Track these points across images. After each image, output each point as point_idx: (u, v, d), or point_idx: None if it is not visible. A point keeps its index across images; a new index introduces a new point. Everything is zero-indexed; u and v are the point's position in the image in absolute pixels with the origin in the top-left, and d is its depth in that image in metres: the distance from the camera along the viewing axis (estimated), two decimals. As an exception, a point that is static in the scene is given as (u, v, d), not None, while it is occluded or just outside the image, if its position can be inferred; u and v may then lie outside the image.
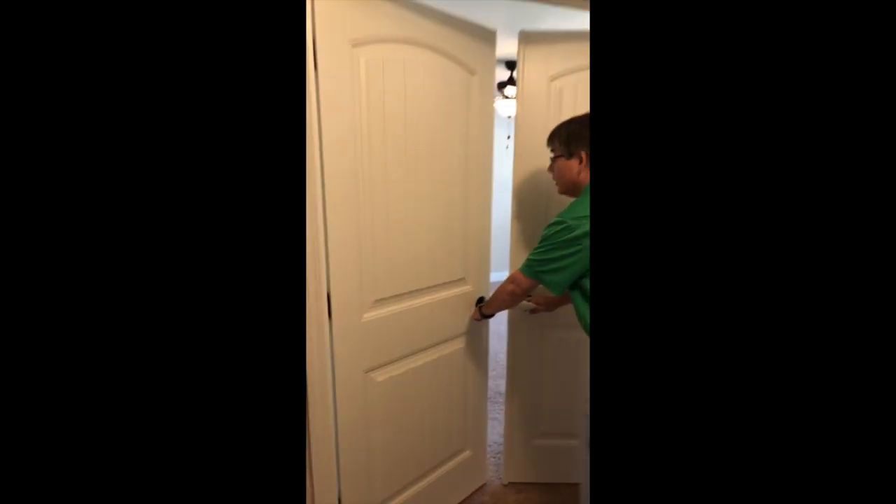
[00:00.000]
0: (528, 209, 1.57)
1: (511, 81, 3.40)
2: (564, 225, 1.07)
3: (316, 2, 0.99)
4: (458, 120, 1.36)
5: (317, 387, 1.12)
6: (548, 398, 1.67)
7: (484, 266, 1.55)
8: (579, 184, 1.15)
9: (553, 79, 1.49)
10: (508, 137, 4.42)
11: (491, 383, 2.17)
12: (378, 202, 1.19)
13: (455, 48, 1.31)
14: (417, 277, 1.33)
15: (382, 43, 1.14)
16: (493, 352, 2.01)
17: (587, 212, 1.05)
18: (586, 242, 1.05)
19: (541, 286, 1.18)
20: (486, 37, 1.40)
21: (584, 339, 1.15)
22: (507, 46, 1.77)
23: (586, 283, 1.09)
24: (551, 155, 1.21)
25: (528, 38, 1.47)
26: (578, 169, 1.14)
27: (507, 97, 3.48)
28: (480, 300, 1.52)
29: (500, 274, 1.60)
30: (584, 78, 1.48)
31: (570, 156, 1.15)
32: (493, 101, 1.47)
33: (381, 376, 1.29)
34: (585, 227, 1.04)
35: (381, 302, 1.25)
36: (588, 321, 1.11)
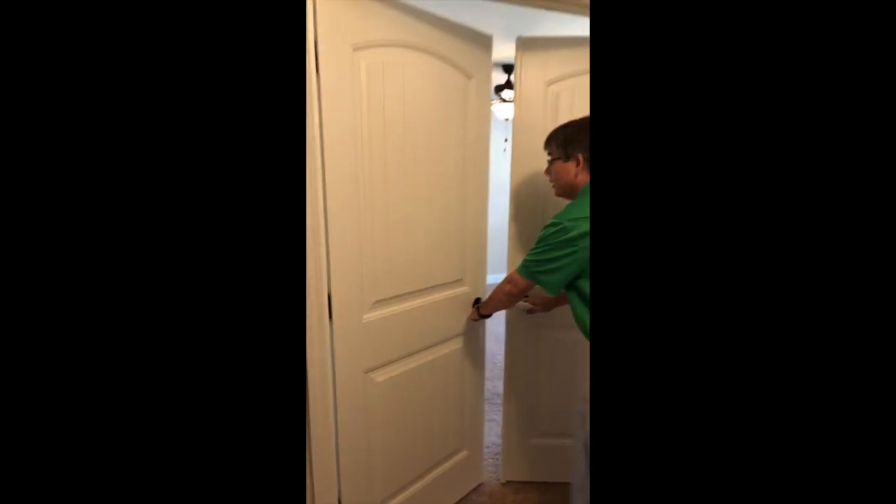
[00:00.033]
0: (526, 211, 1.59)
1: (508, 85, 3.42)
2: (561, 226, 1.08)
3: (318, 5, 1.00)
4: (456, 123, 1.38)
5: (317, 387, 1.13)
6: (545, 398, 1.68)
7: (481, 267, 1.57)
8: (576, 186, 1.17)
9: (550, 83, 1.51)
10: (506, 140, 4.43)
11: (489, 385, 2.18)
12: (378, 204, 1.20)
13: (452, 52, 1.32)
14: (416, 279, 1.35)
15: (382, 47, 1.15)
16: (490, 354, 2.02)
17: (584, 213, 1.07)
18: (582, 243, 1.06)
19: (537, 287, 1.19)
20: (483, 42, 1.42)
21: (580, 340, 1.17)
22: (504, 50, 1.79)
23: (582, 283, 1.11)
24: (548, 158, 1.23)
25: (525, 45, 1.49)
26: (575, 171, 1.16)
27: (504, 100, 3.49)
28: (477, 301, 1.54)
29: (497, 276, 1.62)
30: (581, 82, 1.51)
31: (567, 158, 1.17)
32: (489, 105, 1.49)
33: (380, 376, 1.30)
34: (581, 228, 1.06)
35: (380, 303, 1.26)
36: (584, 322, 1.13)
